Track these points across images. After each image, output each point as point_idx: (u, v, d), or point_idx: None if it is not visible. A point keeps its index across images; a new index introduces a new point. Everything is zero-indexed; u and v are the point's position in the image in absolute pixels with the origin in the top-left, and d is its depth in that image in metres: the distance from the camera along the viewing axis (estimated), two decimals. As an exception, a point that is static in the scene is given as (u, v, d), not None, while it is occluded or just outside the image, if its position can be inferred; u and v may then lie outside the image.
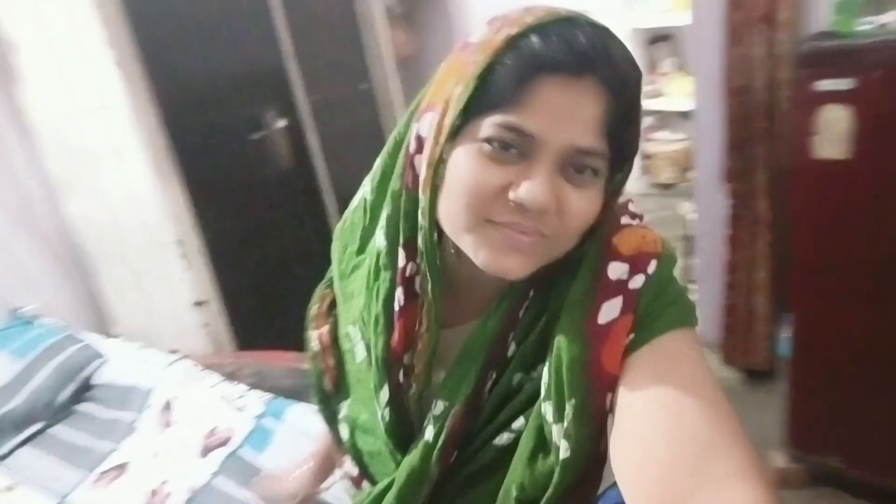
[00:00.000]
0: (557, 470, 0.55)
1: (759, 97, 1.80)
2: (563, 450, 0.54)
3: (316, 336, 0.73)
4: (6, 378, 1.59)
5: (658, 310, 0.54)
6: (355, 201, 0.71)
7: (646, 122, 3.71)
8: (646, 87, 3.52)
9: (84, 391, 1.63)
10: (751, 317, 2.06)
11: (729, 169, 1.98)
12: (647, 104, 3.56)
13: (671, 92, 3.49)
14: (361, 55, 2.08)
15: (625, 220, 0.59)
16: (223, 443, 1.34)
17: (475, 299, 0.63)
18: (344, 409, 0.72)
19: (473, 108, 0.51)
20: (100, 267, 1.86)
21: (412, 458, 0.64)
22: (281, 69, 1.77)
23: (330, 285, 0.74)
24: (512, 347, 0.61)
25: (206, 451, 1.34)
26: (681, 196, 3.40)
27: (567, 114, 0.49)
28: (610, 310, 0.53)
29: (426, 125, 0.56)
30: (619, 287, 0.54)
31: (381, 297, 0.63)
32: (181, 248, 1.57)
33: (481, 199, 0.52)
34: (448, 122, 0.53)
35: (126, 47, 1.42)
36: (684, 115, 3.53)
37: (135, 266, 1.74)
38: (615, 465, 0.51)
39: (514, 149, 0.50)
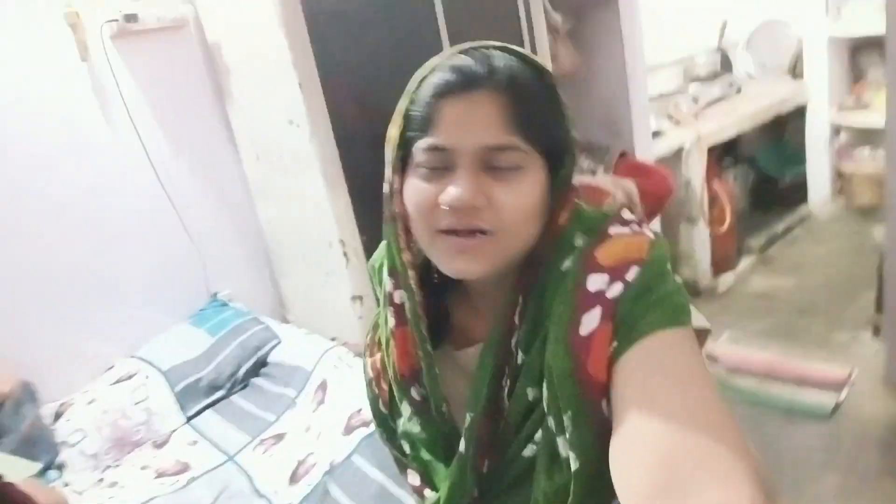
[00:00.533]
0: (572, 481, 0.57)
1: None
2: (573, 460, 0.56)
3: (370, 364, 0.80)
4: (201, 351, 1.87)
5: (639, 313, 0.55)
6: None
7: (844, 138, 3.33)
8: (848, 101, 3.19)
9: (260, 367, 1.87)
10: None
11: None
12: (847, 119, 3.21)
13: (877, 106, 3.10)
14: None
15: (614, 229, 0.62)
16: (365, 423, 1.46)
17: (488, 315, 0.69)
18: (401, 425, 0.76)
19: (407, 143, 0.62)
20: (281, 262, 2.13)
21: (451, 470, 0.69)
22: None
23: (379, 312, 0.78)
24: (520, 356, 0.63)
25: (349, 430, 1.47)
26: (879, 220, 3.00)
27: (468, 122, 0.58)
28: (590, 321, 0.56)
29: (386, 168, 0.66)
30: (598, 297, 0.57)
31: (384, 320, 0.72)
32: (343, 248, 1.74)
33: (424, 213, 0.61)
34: (390, 157, 0.64)
35: (308, 69, 1.63)
36: (892, 131, 3.12)
37: (307, 262, 1.96)
38: (612, 473, 0.51)
39: (438, 165, 0.60)
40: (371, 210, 1.80)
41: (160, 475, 1.53)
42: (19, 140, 1.73)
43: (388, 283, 0.69)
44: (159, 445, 1.66)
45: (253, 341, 1.88)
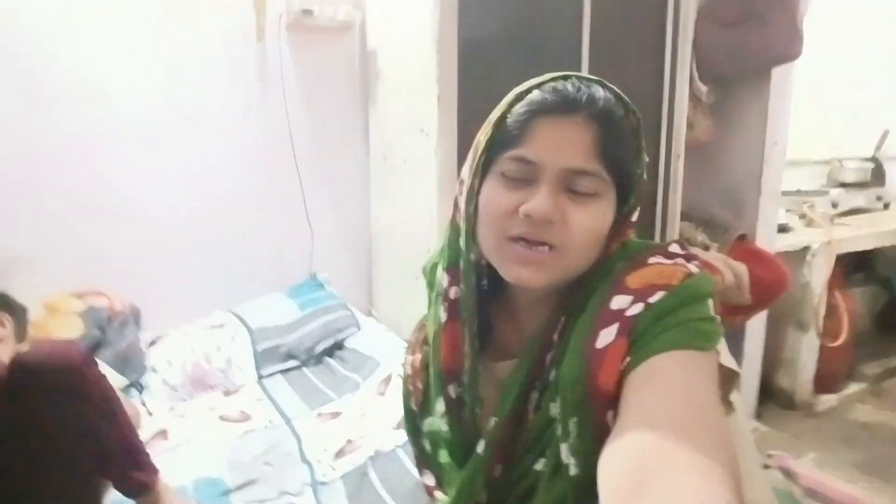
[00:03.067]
0: (570, 488, 0.58)
1: None
2: (573, 467, 0.58)
3: (410, 361, 0.83)
4: (288, 320, 2.00)
5: (655, 332, 0.57)
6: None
7: None
8: None
9: (336, 349, 1.96)
10: None
11: None
12: None
13: None
14: (657, 130, 2.15)
15: (655, 259, 0.64)
16: (415, 423, 1.49)
17: (528, 330, 0.71)
18: (427, 424, 0.79)
19: (494, 149, 0.66)
20: (379, 259, 2.24)
21: (465, 470, 0.71)
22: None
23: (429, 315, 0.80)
24: (552, 374, 0.65)
25: (401, 425, 1.50)
26: None
27: (560, 143, 0.62)
28: (606, 335, 0.58)
29: (465, 170, 0.70)
30: (617, 315, 0.59)
31: (433, 317, 0.74)
32: (437, 257, 1.81)
33: (500, 218, 0.64)
34: (477, 160, 0.67)
35: (450, 86, 1.73)
36: None
37: (402, 264, 2.05)
38: (598, 475, 0.52)
39: (521, 176, 0.63)
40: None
41: (223, 420, 1.64)
42: (188, 99, 1.96)
43: (444, 279, 0.72)
44: (229, 393, 1.78)
45: (337, 324, 1.98)
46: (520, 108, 0.66)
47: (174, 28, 1.92)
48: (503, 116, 0.67)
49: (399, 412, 1.52)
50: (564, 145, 0.62)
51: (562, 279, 0.65)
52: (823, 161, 3.41)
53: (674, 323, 0.57)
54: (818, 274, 2.71)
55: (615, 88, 0.67)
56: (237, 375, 1.82)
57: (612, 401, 0.57)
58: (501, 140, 0.66)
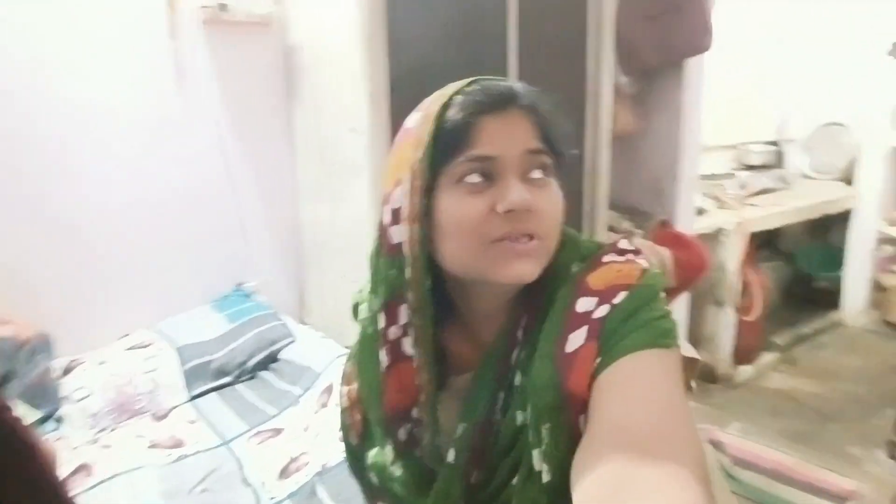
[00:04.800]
0: (542, 494, 0.58)
1: None
2: (545, 473, 0.58)
3: (346, 392, 0.80)
4: (217, 335, 1.89)
5: (623, 333, 0.57)
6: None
7: (887, 250, 3.29)
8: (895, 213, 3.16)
9: (270, 361, 1.87)
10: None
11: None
12: (894, 231, 3.17)
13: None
14: (582, 123, 2.18)
15: (609, 257, 0.65)
16: (362, 434, 1.45)
17: (486, 339, 0.69)
18: (370, 457, 0.76)
19: (436, 163, 0.62)
20: (312, 264, 2.16)
21: (437, 483, 0.69)
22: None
23: (359, 346, 0.76)
24: (518, 377, 0.65)
25: (347, 436, 1.46)
26: (917, 341, 2.94)
27: (509, 133, 0.62)
28: (576, 339, 0.59)
29: (398, 197, 0.65)
30: (585, 318, 0.59)
31: (367, 362, 0.70)
32: (375, 259, 1.76)
33: (478, 225, 0.61)
34: (419, 180, 0.63)
35: (379, 83, 1.68)
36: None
37: (338, 269, 1.99)
38: (571, 481, 0.52)
39: (484, 176, 0.61)
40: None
41: (153, 446, 1.53)
42: (98, 100, 1.81)
43: (380, 319, 0.66)
44: (158, 418, 1.66)
45: (269, 335, 1.90)
46: (451, 118, 0.63)
47: (80, 27, 1.76)
48: (437, 129, 0.63)
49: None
50: (513, 133, 0.63)
51: (543, 267, 0.64)
52: (731, 146, 3.59)
53: (639, 323, 0.58)
54: (732, 253, 2.85)
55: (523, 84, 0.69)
56: (166, 398, 1.71)
57: (584, 405, 0.57)
58: (442, 152, 0.63)
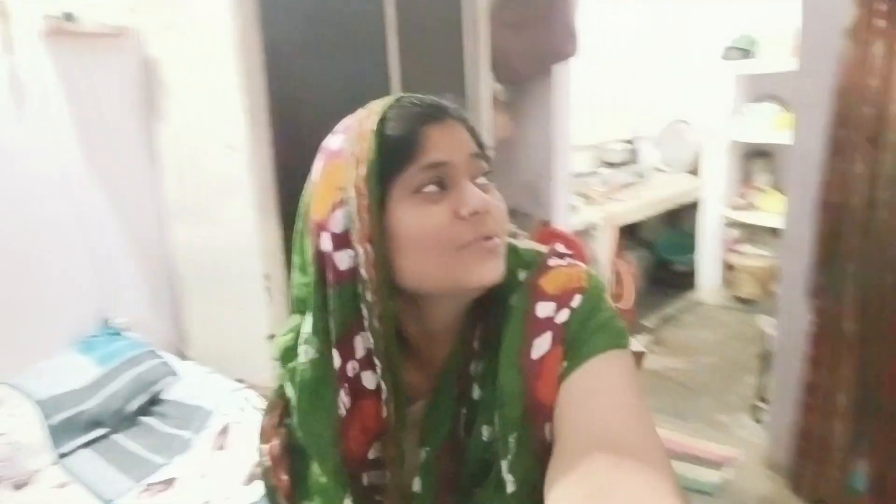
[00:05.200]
0: None
1: (855, 215, 1.76)
2: (510, 484, 0.58)
3: (267, 451, 0.72)
4: (85, 382, 1.69)
5: (584, 337, 0.58)
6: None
7: (733, 233, 3.65)
8: (738, 200, 3.52)
9: (152, 405, 1.70)
10: (825, 444, 1.93)
11: (816, 285, 1.92)
12: (737, 216, 3.52)
13: (763, 207, 3.44)
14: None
15: (553, 261, 0.66)
16: (269, 474, 1.35)
17: (437, 362, 0.67)
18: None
19: (384, 179, 0.60)
20: (189, 292, 1.99)
21: None
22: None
23: (281, 394, 0.72)
24: (476, 390, 0.64)
25: (252, 479, 1.36)
26: (760, 312, 3.28)
27: (452, 139, 0.62)
28: (541, 344, 0.59)
29: (339, 220, 0.60)
30: (548, 323, 0.60)
31: (318, 410, 0.64)
32: (267, 283, 1.66)
33: (444, 233, 0.59)
34: (367, 198, 0.59)
35: (258, 96, 1.58)
36: (773, 232, 3.46)
37: (220, 295, 1.85)
38: (545, 494, 0.52)
39: (439, 184, 0.60)
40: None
41: (19, 521, 1.33)
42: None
43: (334, 358, 0.61)
44: (19, 486, 1.45)
45: (148, 376, 1.72)
46: (395, 128, 0.61)
47: None
48: (380, 144, 0.60)
49: (247, 464, 1.39)
50: (458, 139, 0.63)
51: None
52: (592, 145, 3.81)
53: (597, 326, 0.59)
54: (604, 246, 3.03)
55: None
56: (27, 461, 1.49)
57: (550, 412, 0.57)
58: (391, 164, 0.60)
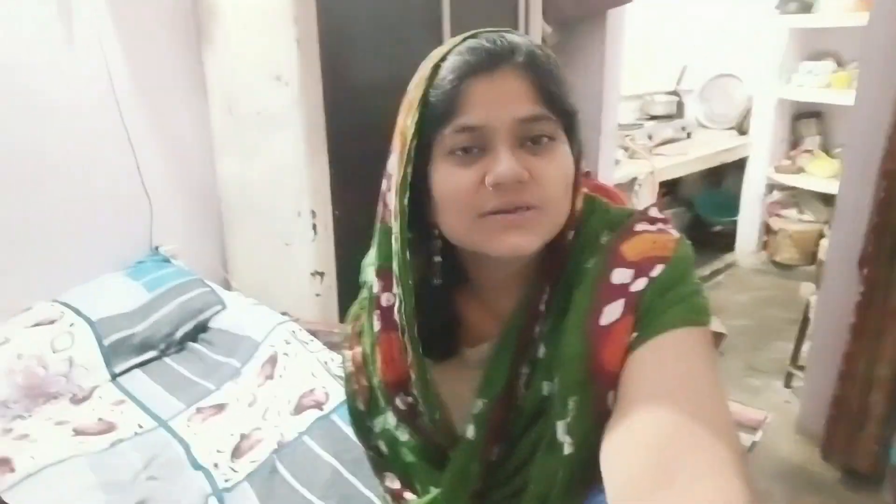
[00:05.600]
0: (561, 466, 0.57)
1: (918, 185, 1.70)
2: (567, 446, 0.57)
3: (349, 357, 0.76)
4: (135, 305, 1.73)
5: (660, 309, 0.56)
6: None
7: (775, 196, 3.56)
8: (785, 162, 3.42)
9: (200, 332, 1.74)
10: (863, 414, 1.92)
11: (868, 254, 1.87)
12: (782, 178, 3.43)
13: (811, 171, 3.34)
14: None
15: (641, 226, 0.62)
16: (318, 405, 1.39)
17: (502, 310, 0.67)
18: (380, 424, 0.74)
19: (427, 131, 0.60)
20: (235, 224, 2.01)
21: (455, 460, 0.67)
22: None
23: (364, 305, 0.75)
24: (542, 349, 0.64)
25: (300, 409, 1.40)
26: (797, 278, 3.23)
27: (497, 99, 0.58)
28: (611, 312, 0.57)
29: (392, 164, 0.64)
30: (621, 290, 0.57)
31: (368, 325, 0.70)
32: (313, 219, 1.66)
33: (467, 198, 0.59)
34: (408, 146, 0.60)
35: (309, 27, 1.54)
36: (819, 197, 3.37)
37: (266, 229, 1.86)
38: (602, 456, 0.52)
39: (473, 148, 0.58)
40: (349, 184, 1.76)
41: (79, 433, 1.39)
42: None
43: (375, 284, 0.67)
44: (78, 401, 1.51)
45: (195, 303, 1.76)
46: (442, 79, 0.60)
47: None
48: (426, 94, 0.60)
49: (296, 394, 1.43)
50: (504, 99, 0.58)
51: (549, 237, 0.62)
52: (636, 96, 3.70)
53: (676, 298, 0.57)
54: (645, 202, 2.97)
55: (523, 34, 0.64)
56: (84, 378, 1.55)
57: (614, 380, 0.55)
58: (434, 117, 0.60)
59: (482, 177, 0.58)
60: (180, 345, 1.72)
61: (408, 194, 0.62)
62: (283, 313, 1.72)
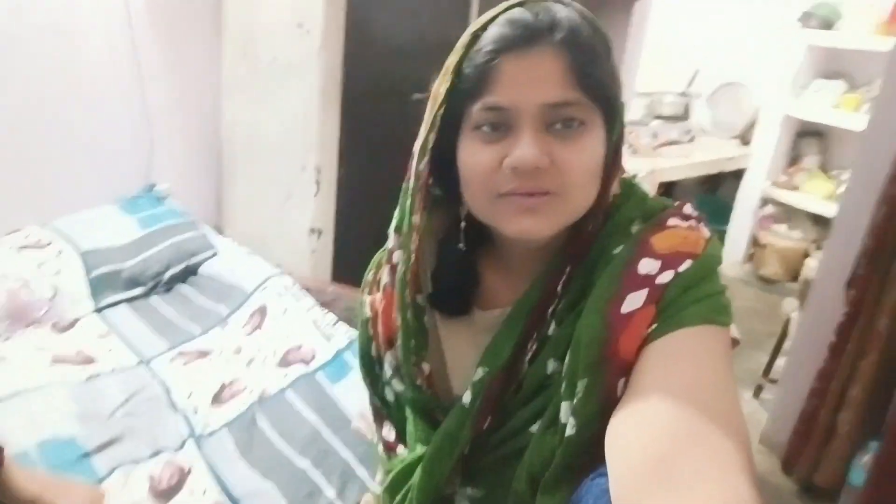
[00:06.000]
0: (560, 447, 0.57)
1: (918, 215, 1.72)
2: (570, 427, 0.56)
3: (369, 302, 0.76)
4: (126, 240, 1.71)
5: (683, 304, 0.56)
6: None
7: (768, 209, 3.59)
8: (781, 178, 3.44)
9: (189, 275, 1.72)
10: (830, 431, 1.96)
11: (857, 276, 1.90)
12: (777, 193, 3.45)
13: (807, 190, 3.37)
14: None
15: (673, 220, 0.62)
16: (304, 361, 1.39)
17: (521, 279, 0.67)
18: (390, 371, 0.75)
19: (458, 100, 0.59)
20: (235, 171, 1.97)
21: (447, 422, 0.67)
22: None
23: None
24: (552, 327, 0.63)
25: (286, 363, 1.39)
26: (779, 293, 3.28)
27: (529, 80, 0.56)
28: (634, 300, 0.56)
29: (425, 124, 0.63)
30: (646, 281, 0.57)
31: (382, 277, 0.72)
32: (317, 175, 1.64)
33: (486, 177, 0.59)
34: (434, 112, 0.61)
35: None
36: (811, 217, 3.40)
37: (268, 179, 1.83)
38: (607, 442, 0.51)
39: (497, 127, 0.58)
40: (357, 142, 1.73)
41: (58, 361, 1.37)
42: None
43: (391, 240, 0.69)
44: (61, 329, 1.49)
45: (187, 245, 1.74)
46: (478, 50, 0.59)
47: None
48: (461, 62, 0.59)
49: (282, 347, 1.42)
50: (536, 80, 0.57)
51: (566, 223, 0.61)
52: (645, 93, 3.68)
53: (700, 296, 0.56)
54: (642, 200, 2.97)
55: (576, 4, 0.61)
56: (68, 307, 1.53)
57: (627, 368, 0.55)
58: (465, 89, 0.59)
59: (503, 157, 0.57)
60: (168, 285, 1.70)
61: (426, 159, 0.62)
62: (278, 266, 1.70)
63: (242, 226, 1.98)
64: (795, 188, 3.42)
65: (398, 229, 0.67)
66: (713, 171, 3.47)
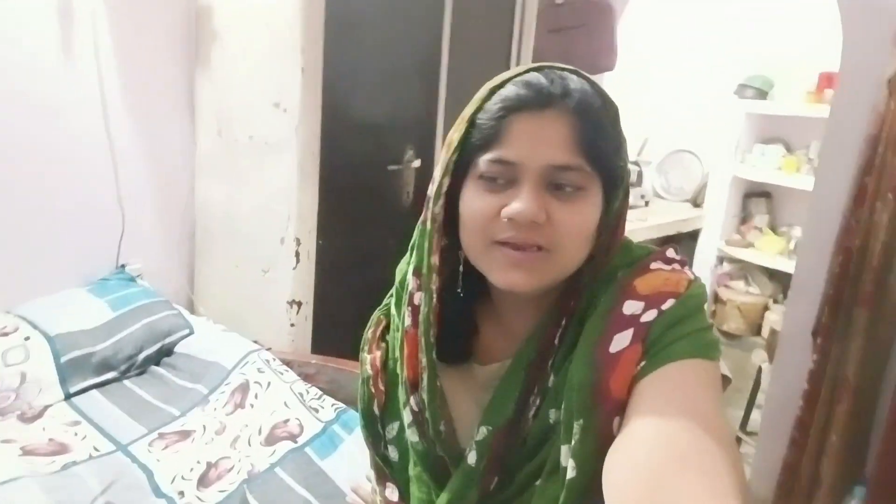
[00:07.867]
0: (563, 490, 0.57)
1: (872, 261, 1.82)
2: (570, 469, 0.56)
3: (369, 361, 0.76)
4: (97, 323, 1.65)
5: (669, 340, 0.57)
6: None
7: (725, 267, 3.73)
8: (734, 237, 3.60)
9: (163, 356, 1.67)
10: (813, 482, 1.98)
11: (822, 325, 1.97)
12: (732, 251, 3.60)
13: (760, 247, 3.52)
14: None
15: (656, 264, 0.64)
16: (291, 437, 1.35)
17: (517, 333, 0.68)
18: (394, 430, 0.74)
19: (469, 149, 0.63)
20: (209, 248, 1.95)
21: (453, 482, 0.67)
22: (432, 116, 1.94)
23: (386, 312, 0.77)
24: (552, 379, 0.64)
25: (272, 440, 1.35)
26: (743, 348, 3.36)
27: (538, 140, 0.59)
28: (621, 340, 0.57)
29: (437, 169, 0.66)
30: (631, 321, 0.58)
31: (401, 320, 0.71)
32: (297, 247, 1.64)
33: (483, 223, 0.61)
34: (445, 159, 0.64)
35: (315, 56, 1.56)
36: (766, 272, 3.54)
37: (243, 255, 1.82)
38: (604, 477, 0.52)
39: (502, 178, 0.60)
40: (334, 214, 1.75)
41: (28, 453, 1.29)
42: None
43: (411, 282, 0.68)
44: (28, 419, 1.41)
45: (161, 325, 1.69)
46: (493, 105, 0.62)
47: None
48: (476, 113, 0.63)
49: (268, 423, 1.37)
50: (543, 141, 0.59)
51: (553, 280, 0.63)
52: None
53: (685, 332, 0.57)
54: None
55: (589, 77, 0.65)
56: (36, 395, 1.45)
57: (620, 407, 0.56)
58: (477, 139, 0.62)
59: (503, 206, 0.59)
60: (141, 368, 1.64)
61: (441, 202, 0.64)
62: (255, 342, 1.66)
63: (216, 303, 1.94)
64: (749, 245, 3.57)
65: (417, 271, 0.67)
66: (670, 232, 3.61)
